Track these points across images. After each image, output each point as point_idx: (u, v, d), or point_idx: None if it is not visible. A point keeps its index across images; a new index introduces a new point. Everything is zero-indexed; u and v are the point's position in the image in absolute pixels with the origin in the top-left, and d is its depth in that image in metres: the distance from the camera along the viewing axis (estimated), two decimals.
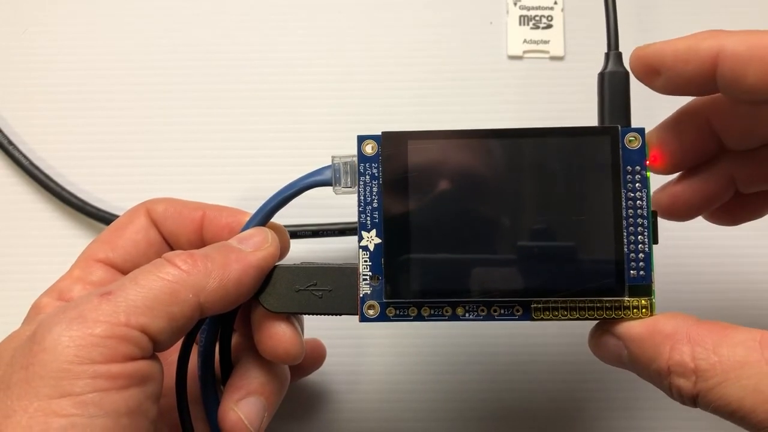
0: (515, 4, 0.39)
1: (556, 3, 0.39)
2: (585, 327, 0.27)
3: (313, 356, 0.34)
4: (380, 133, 0.27)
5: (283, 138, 0.39)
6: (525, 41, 0.39)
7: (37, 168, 0.38)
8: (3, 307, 0.37)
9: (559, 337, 0.36)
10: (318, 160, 0.38)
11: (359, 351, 0.36)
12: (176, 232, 0.30)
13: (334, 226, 0.36)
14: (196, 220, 0.30)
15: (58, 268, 0.30)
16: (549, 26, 0.39)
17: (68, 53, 0.39)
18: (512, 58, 0.39)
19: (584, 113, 0.38)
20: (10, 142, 0.38)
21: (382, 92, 0.39)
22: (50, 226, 0.38)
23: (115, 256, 0.29)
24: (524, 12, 0.39)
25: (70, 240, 0.38)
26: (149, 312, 0.24)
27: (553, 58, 0.39)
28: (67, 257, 0.31)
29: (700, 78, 0.25)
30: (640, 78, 0.27)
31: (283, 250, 0.29)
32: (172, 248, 0.31)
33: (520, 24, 0.39)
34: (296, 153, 0.38)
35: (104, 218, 0.37)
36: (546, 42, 0.39)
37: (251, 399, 0.28)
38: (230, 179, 0.38)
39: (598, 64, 0.38)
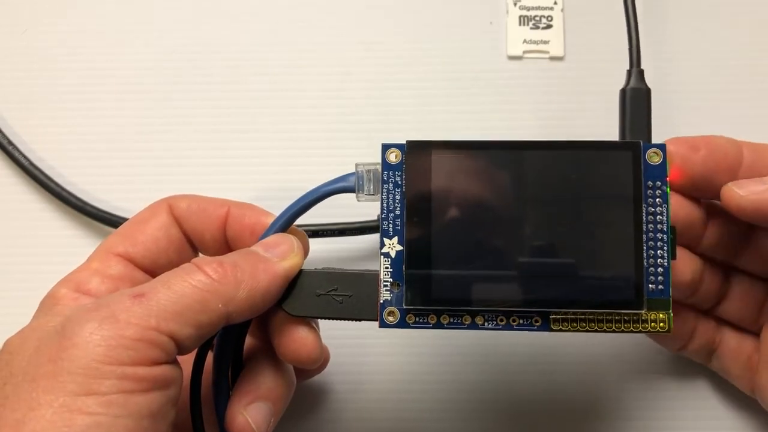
0: (515, 4, 0.39)
1: (556, 3, 0.39)
2: (601, 334, 0.27)
3: None
4: (404, 142, 0.28)
5: (282, 138, 0.38)
6: (525, 41, 0.39)
7: (37, 168, 0.38)
8: (3, 306, 0.37)
9: (577, 347, 0.36)
10: (318, 160, 0.38)
11: (363, 351, 0.36)
12: (200, 229, 0.30)
13: (334, 227, 0.36)
14: (221, 217, 0.30)
15: (59, 268, 0.29)
16: (549, 26, 0.39)
17: (68, 53, 0.39)
18: (512, 58, 0.39)
19: (584, 113, 0.38)
20: (10, 142, 0.38)
21: (382, 92, 0.39)
22: (50, 226, 0.38)
23: (134, 252, 0.29)
24: (524, 12, 0.39)
25: (70, 240, 0.38)
26: (179, 318, 0.25)
27: (553, 58, 0.39)
28: (67, 257, 0.31)
29: (732, 152, 0.28)
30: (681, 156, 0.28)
31: (305, 255, 0.29)
32: (193, 246, 0.31)
33: (519, 24, 0.39)
34: (295, 152, 0.38)
35: (104, 218, 0.37)
36: (546, 42, 0.39)
37: (259, 404, 0.29)
38: (230, 179, 0.38)
39: (599, 65, 0.38)
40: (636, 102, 0.30)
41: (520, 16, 0.39)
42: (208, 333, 0.26)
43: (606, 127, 0.33)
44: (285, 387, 0.30)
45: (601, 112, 0.37)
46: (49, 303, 0.28)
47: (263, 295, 0.27)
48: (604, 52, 0.37)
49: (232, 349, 0.30)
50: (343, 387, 0.36)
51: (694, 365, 0.35)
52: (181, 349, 0.25)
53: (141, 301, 0.24)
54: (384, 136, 0.29)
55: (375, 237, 0.35)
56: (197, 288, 0.25)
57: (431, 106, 0.39)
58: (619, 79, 0.32)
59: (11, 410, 0.22)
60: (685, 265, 0.29)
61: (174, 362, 0.25)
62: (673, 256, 0.27)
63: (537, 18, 0.39)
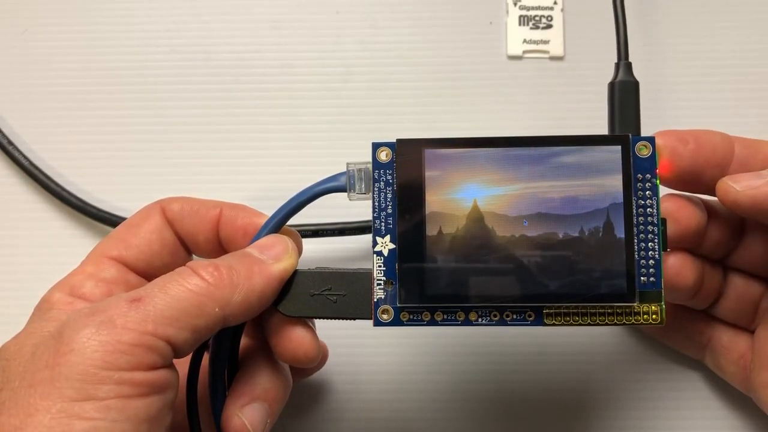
0: (515, 4, 0.39)
1: (556, 3, 0.39)
2: (595, 329, 0.27)
3: None
4: (395, 140, 0.28)
5: (281, 138, 0.39)
6: (525, 41, 0.39)
7: (37, 168, 0.38)
8: (3, 306, 0.37)
9: (570, 343, 0.36)
10: (317, 160, 0.38)
11: (361, 351, 0.36)
12: (193, 231, 0.30)
13: (333, 226, 0.36)
14: (214, 219, 0.30)
15: (59, 268, 0.29)
16: (549, 26, 0.39)
17: (68, 53, 0.39)
18: (512, 58, 0.39)
19: (584, 113, 0.38)
20: (10, 142, 0.38)
21: (382, 92, 0.39)
22: (50, 226, 0.38)
23: (128, 255, 0.29)
24: (524, 12, 0.39)
25: (70, 240, 0.38)
26: (176, 323, 0.25)
27: (552, 58, 0.39)
28: (67, 257, 0.31)
29: (722, 147, 0.28)
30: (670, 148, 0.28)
31: (298, 255, 0.29)
32: (186, 248, 0.31)
33: (519, 24, 0.39)
34: (294, 153, 0.38)
35: (104, 218, 0.37)
36: (546, 42, 0.39)
37: (255, 405, 0.28)
38: (230, 179, 0.38)
39: (598, 64, 0.38)
40: (624, 95, 0.30)
41: (520, 16, 0.39)
42: (205, 336, 0.26)
43: (606, 127, 0.33)
44: (281, 387, 0.30)
45: (601, 112, 0.36)
46: (43, 308, 0.28)
47: (259, 298, 0.27)
48: (604, 52, 0.37)
49: (227, 350, 0.30)
50: (339, 386, 0.36)
51: (688, 361, 0.35)
52: (178, 353, 0.25)
53: (138, 305, 0.24)
54: (384, 136, 0.29)
55: None
56: (193, 292, 0.25)
57: (431, 106, 0.39)
58: None
59: (9, 416, 0.23)
60: (688, 269, 0.29)
61: (171, 366, 0.25)
62: (664, 247, 0.27)
63: (537, 18, 0.39)
